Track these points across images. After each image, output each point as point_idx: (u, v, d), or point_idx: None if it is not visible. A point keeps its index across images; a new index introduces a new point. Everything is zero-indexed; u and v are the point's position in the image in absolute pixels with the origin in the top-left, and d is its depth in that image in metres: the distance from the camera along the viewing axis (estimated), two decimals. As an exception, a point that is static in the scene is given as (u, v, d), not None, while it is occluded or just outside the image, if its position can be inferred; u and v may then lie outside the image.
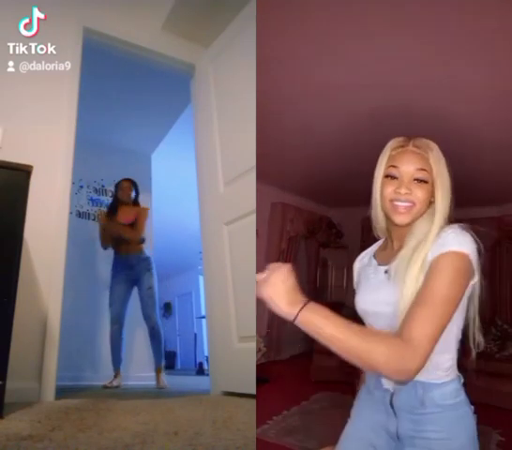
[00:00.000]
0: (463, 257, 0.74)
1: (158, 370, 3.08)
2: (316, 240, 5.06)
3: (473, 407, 0.85)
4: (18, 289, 1.42)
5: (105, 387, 2.97)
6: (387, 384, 0.87)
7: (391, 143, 0.88)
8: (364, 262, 0.98)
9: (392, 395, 0.87)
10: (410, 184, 0.82)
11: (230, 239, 2.25)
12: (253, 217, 2.11)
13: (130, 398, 1.95)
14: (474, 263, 0.75)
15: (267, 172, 3.53)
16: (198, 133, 2.70)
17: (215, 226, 2.37)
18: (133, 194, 3.36)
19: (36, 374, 1.82)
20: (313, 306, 0.71)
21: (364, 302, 0.91)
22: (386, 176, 0.85)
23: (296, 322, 0.71)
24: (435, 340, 0.69)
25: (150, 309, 3.07)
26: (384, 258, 0.91)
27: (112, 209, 3.32)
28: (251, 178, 2.12)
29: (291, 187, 4.50)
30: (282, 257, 4.44)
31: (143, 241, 3.23)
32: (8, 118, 2.05)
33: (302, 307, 0.71)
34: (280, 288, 0.74)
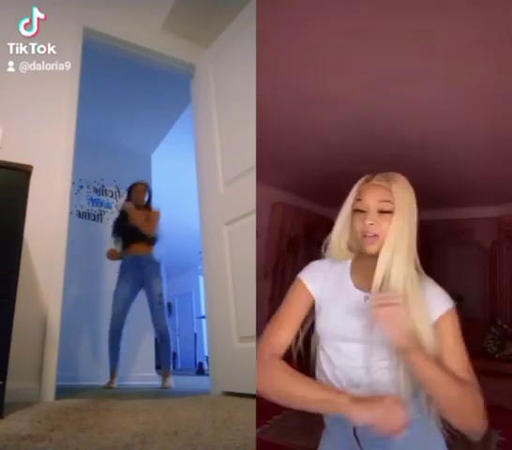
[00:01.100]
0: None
1: (165, 374, 3.07)
2: (316, 240, 5.06)
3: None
4: (18, 289, 1.42)
5: (105, 387, 2.98)
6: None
7: (359, 181, 0.92)
8: (330, 280, 0.95)
9: (354, 427, 0.86)
10: (374, 215, 0.86)
11: (230, 239, 2.25)
12: (253, 217, 2.11)
13: (130, 398, 1.95)
14: None
15: (268, 172, 3.54)
16: (198, 133, 2.70)
17: (215, 226, 2.37)
18: (146, 198, 3.36)
19: (36, 374, 1.82)
20: (422, 350, 0.77)
21: (333, 325, 0.90)
22: (355, 210, 0.89)
23: (406, 356, 0.77)
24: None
25: (160, 316, 3.07)
26: (361, 282, 0.91)
27: (124, 213, 3.30)
28: (251, 178, 2.12)
29: (291, 187, 4.50)
30: (282, 257, 4.44)
31: (154, 241, 3.23)
32: (8, 118, 2.05)
33: (415, 348, 0.77)
34: (402, 317, 0.78)
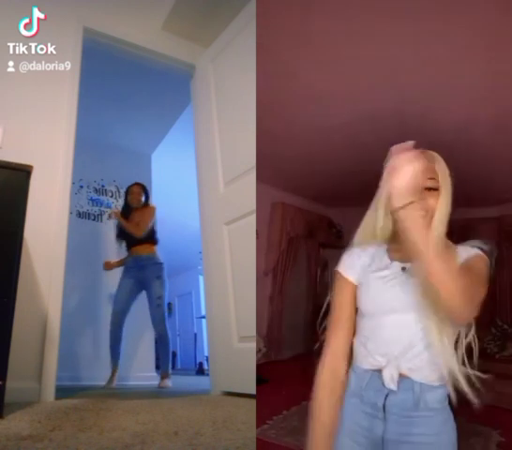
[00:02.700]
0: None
1: (163, 376, 3.07)
2: (316, 240, 5.06)
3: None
4: (18, 289, 1.42)
5: (105, 387, 2.98)
6: (390, 383, 0.86)
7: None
8: (366, 260, 0.96)
9: (386, 396, 0.87)
10: (422, 192, 0.86)
11: (230, 239, 2.25)
12: (253, 217, 2.11)
13: (130, 398, 1.95)
14: None
15: (267, 172, 3.53)
16: (198, 133, 2.70)
17: (215, 226, 2.37)
18: (143, 198, 3.37)
19: (36, 374, 1.82)
20: (417, 211, 0.76)
21: (373, 298, 0.91)
22: None
23: (401, 214, 0.75)
24: (477, 309, 0.76)
25: (159, 318, 3.08)
26: (398, 256, 0.93)
27: (125, 215, 3.32)
28: (251, 178, 2.12)
29: (291, 187, 4.50)
30: (282, 257, 4.44)
31: (154, 241, 3.24)
32: (8, 118, 2.05)
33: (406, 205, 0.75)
34: (406, 180, 0.75)
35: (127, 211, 3.34)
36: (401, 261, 0.91)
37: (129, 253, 3.26)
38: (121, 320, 3.12)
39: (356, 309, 0.94)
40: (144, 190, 3.41)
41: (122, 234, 3.29)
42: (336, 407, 0.91)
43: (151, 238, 3.24)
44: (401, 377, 0.85)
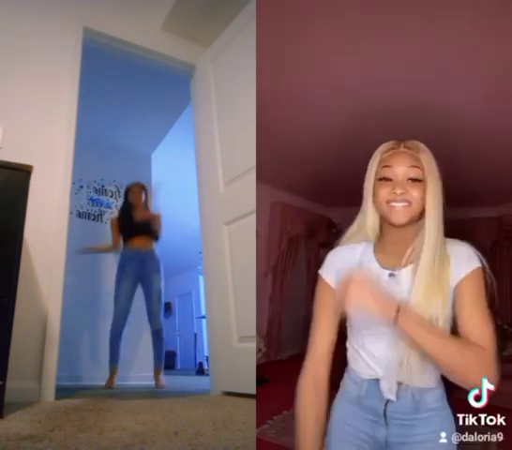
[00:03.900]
0: (484, 271, 0.82)
1: (156, 371, 3.09)
2: (316, 240, 5.06)
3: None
4: (18, 289, 1.42)
5: (105, 387, 2.98)
6: (389, 394, 0.85)
7: (381, 148, 0.89)
8: (355, 262, 0.91)
9: (386, 403, 0.86)
10: (404, 183, 0.83)
11: (230, 239, 2.25)
12: (253, 217, 2.11)
13: (130, 398, 1.95)
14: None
15: (268, 172, 3.53)
16: (198, 133, 2.70)
17: (215, 226, 2.37)
18: (143, 198, 3.39)
19: (36, 374, 1.82)
20: (407, 313, 0.76)
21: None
22: (380, 179, 0.85)
23: (396, 327, 0.76)
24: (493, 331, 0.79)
25: (157, 312, 3.09)
26: (385, 260, 0.88)
27: (125, 212, 3.34)
28: (251, 178, 2.12)
29: (291, 187, 4.50)
30: (282, 257, 4.44)
31: (157, 238, 3.27)
32: (8, 118, 2.05)
33: (398, 314, 0.75)
34: (368, 291, 0.77)
35: (128, 209, 3.35)
36: (387, 266, 0.87)
37: (127, 245, 3.25)
38: (123, 322, 3.11)
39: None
40: (144, 190, 3.42)
41: (123, 226, 3.28)
42: (321, 411, 0.90)
43: (149, 231, 3.25)
44: (399, 385, 0.85)
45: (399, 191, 0.82)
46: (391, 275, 0.86)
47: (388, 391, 0.85)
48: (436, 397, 0.86)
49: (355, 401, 0.89)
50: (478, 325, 0.78)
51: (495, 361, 0.74)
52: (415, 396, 0.85)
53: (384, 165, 0.85)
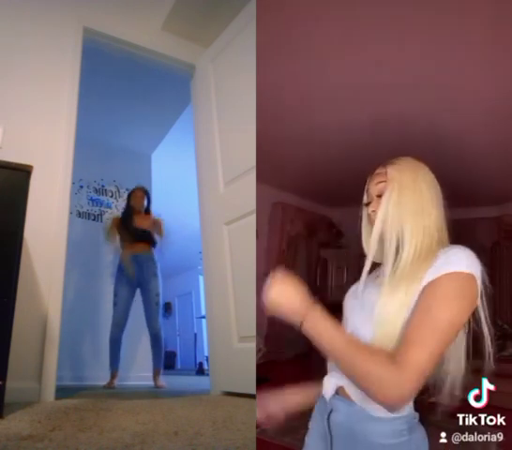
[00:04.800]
0: (470, 279, 0.68)
1: (155, 373, 3.10)
2: (316, 240, 5.06)
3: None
4: (18, 289, 1.42)
5: (105, 387, 2.98)
6: (325, 389, 0.80)
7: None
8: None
9: (331, 410, 0.79)
10: (376, 201, 0.83)
11: (230, 239, 2.25)
12: (253, 217, 2.11)
13: (130, 398, 1.95)
14: (479, 285, 0.70)
15: (268, 172, 3.53)
16: (198, 133, 2.70)
17: (215, 226, 2.37)
18: (145, 203, 3.38)
19: (36, 374, 1.82)
20: (315, 317, 0.71)
21: (349, 326, 0.83)
22: (367, 204, 0.87)
23: (303, 330, 0.71)
24: (432, 368, 0.65)
25: (154, 316, 3.10)
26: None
27: (127, 217, 3.32)
28: (251, 178, 2.12)
29: (291, 188, 4.50)
30: (282, 257, 4.44)
31: (155, 244, 3.27)
32: (8, 118, 2.05)
33: (304, 317, 0.71)
34: (284, 294, 0.74)
35: (129, 214, 3.34)
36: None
37: (126, 250, 3.24)
38: (122, 326, 3.11)
39: None
40: (147, 195, 3.41)
41: (124, 230, 3.27)
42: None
43: (149, 239, 3.25)
44: (337, 393, 0.79)
45: (370, 210, 0.83)
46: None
47: (326, 384, 0.81)
48: (384, 433, 0.72)
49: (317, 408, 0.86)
50: (411, 335, 0.66)
51: (414, 380, 0.62)
52: (351, 414, 0.75)
53: (365, 190, 0.87)
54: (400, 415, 0.72)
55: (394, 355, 0.65)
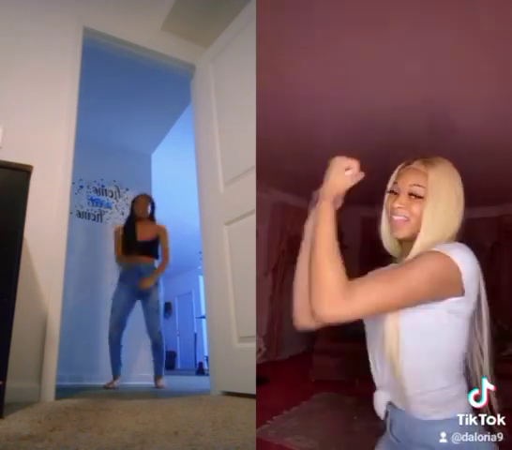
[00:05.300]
0: (448, 262, 0.73)
1: (157, 378, 3.11)
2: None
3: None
4: (18, 289, 1.42)
5: (105, 387, 2.98)
6: (378, 406, 0.82)
7: (401, 164, 0.90)
8: None
9: (391, 422, 0.83)
10: (405, 198, 0.84)
11: (230, 239, 2.25)
12: (253, 217, 2.11)
13: (130, 398, 1.95)
14: (464, 280, 0.73)
15: (268, 172, 3.53)
16: (198, 133, 2.70)
17: (215, 226, 2.37)
18: (149, 209, 3.37)
19: (36, 374, 1.82)
20: (328, 210, 0.79)
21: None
22: (391, 192, 0.88)
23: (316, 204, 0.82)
24: (371, 312, 0.72)
25: (155, 323, 3.10)
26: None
27: (130, 225, 3.30)
28: (251, 178, 2.12)
29: (291, 188, 4.50)
30: (282, 257, 4.44)
31: (157, 256, 3.28)
32: (8, 118, 2.05)
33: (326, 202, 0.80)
34: (341, 176, 0.87)
35: (133, 221, 3.31)
36: None
37: (129, 259, 3.22)
38: (120, 330, 3.11)
39: None
40: (151, 202, 3.40)
41: (128, 238, 3.25)
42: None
43: (151, 251, 3.25)
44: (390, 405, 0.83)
45: (396, 205, 0.84)
46: None
47: (378, 407, 0.83)
48: (437, 435, 0.75)
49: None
50: (373, 283, 0.72)
51: (349, 309, 0.68)
52: (404, 424, 0.79)
53: (394, 181, 0.88)
54: (449, 416, 0.77)
55: (352, 283, 0.71)
